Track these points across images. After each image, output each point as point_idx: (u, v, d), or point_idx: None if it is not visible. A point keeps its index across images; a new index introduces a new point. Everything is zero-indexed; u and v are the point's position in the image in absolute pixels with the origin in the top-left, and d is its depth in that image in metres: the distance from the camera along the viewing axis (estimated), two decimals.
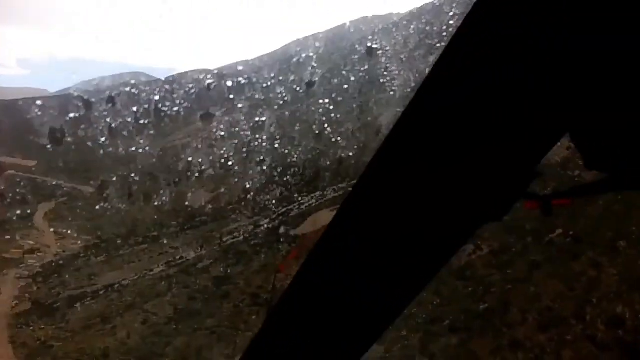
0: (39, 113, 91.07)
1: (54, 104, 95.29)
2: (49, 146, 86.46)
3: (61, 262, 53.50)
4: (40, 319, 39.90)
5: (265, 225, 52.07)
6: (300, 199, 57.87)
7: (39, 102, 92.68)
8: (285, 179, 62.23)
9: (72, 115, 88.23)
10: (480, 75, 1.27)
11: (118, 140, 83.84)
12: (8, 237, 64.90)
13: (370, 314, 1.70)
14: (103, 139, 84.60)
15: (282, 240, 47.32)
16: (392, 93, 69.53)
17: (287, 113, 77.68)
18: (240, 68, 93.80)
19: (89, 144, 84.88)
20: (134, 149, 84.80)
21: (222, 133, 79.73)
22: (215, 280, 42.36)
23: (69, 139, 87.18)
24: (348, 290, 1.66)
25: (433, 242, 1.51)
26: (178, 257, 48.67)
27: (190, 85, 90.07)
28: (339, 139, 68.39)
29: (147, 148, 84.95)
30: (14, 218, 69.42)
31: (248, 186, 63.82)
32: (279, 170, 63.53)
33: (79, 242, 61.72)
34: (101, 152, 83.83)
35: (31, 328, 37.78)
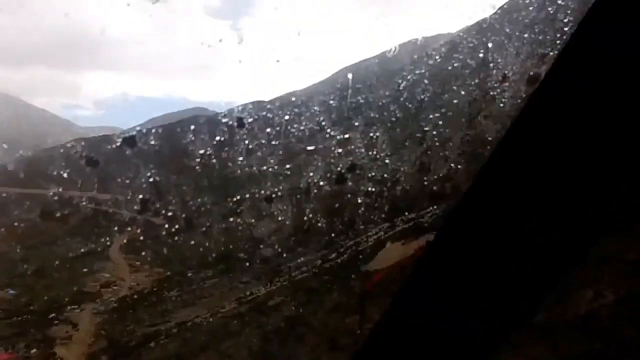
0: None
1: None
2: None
3: (135, 296, 53.87)
4: (115, 358, 39.65)
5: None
6: (368, 231, 55.94)
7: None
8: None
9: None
10: (596, 83, 1.36)
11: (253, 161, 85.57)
12: (86, 269, 66.91)
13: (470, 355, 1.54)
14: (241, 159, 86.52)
15: (353, 276, 45.28)
16: (501, 105, 66.58)
17: (398, 130, 76.13)
18: (358, 86, 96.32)
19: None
20: (264, 167, 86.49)
21: (340, 150, 79.32)
22: (287, 320, 40.73)
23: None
24: (443, 326, 1.60)
25: (537, 264, 1.46)
26: (248, 293, 47.60)
27: (316, 108, 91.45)
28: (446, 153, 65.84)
29: (276, 167, 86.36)
30: (91, 251, 71.86)
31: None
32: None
33: (152, 275, 62.45)
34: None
35: None
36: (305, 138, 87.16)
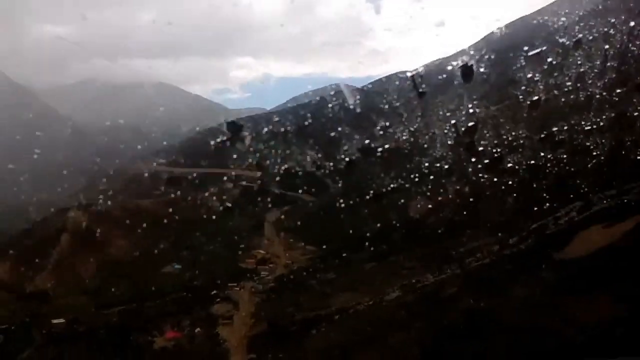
0: None
1: None
2: None
3: (292, 276, 52.03)
4: (275, 345, 37.23)
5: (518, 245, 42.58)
6: (556, 211, 46.79)
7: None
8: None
9: None
10: None
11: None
12: (243, 245, 67.54)
13: None
14: None
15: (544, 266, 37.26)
16: None
17: None
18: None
19: None
20: None
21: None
22: (466, 316, 34.51)
23: None
24: None
25: None
26: (414, 281, 42.31)
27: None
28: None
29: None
30: (247, 227, 72.59)
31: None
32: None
33: (306, 253, 60.61)
34: None
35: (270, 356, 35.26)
36: None
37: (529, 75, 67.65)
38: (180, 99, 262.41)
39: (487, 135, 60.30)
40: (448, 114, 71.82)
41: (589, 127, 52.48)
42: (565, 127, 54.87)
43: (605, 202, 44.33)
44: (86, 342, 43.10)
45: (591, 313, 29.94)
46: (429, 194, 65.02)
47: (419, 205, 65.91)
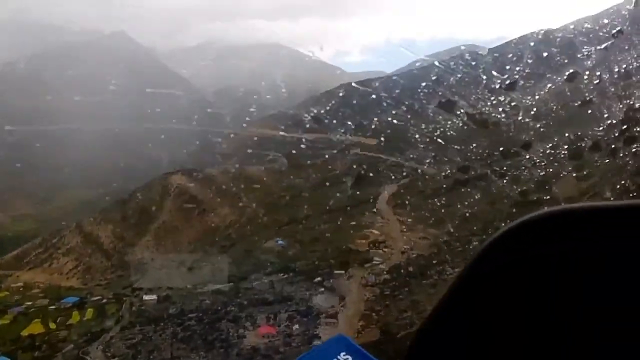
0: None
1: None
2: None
3: (410, 268, 42.57)
4: None
5: None
6: None
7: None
8: None
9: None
10: None
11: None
12: (353, 222, 59.50)
13: None
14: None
15: None
16: None
17: None
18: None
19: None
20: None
21: None
22: None
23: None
24: None
25: None
26: None
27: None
28: None
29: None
30: (359, 201, 64.25)
31: None
32: None
33: (427, 237, 50.77)
34: None
35: None
36: None
37: None
38: (297, 61, 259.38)
39: None
40: None
41: None
42: None
43: None
44: (172, 329, 38.12)
45: None
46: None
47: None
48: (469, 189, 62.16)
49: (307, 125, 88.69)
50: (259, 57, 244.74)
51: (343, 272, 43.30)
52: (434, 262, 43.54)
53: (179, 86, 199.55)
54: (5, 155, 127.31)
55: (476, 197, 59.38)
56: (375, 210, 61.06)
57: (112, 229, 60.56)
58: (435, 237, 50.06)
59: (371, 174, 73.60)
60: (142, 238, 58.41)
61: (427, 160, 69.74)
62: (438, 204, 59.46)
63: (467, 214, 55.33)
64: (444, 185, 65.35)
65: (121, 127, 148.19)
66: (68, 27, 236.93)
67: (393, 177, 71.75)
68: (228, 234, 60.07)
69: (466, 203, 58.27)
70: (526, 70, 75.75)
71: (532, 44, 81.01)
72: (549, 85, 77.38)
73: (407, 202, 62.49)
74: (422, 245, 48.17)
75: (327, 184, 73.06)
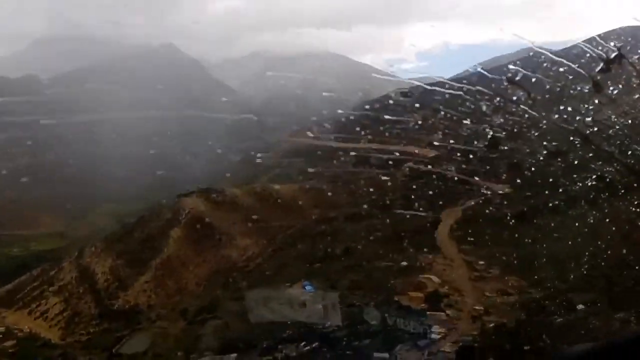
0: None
1: None
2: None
3: (487, 348, 27.94)
4: None
5: None
6: None
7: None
8: None
9: None
10: None
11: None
12: (404, 262, 45.24)
13: None
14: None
15: None
16: None
17: None
18: None
19: None
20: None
21: None
22: None
23: None
24: None
25: None
26: None
27: None
28: None
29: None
30: (410, 231, 49.92)
31: None
32: None
33: (510, 291, 35.96)
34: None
35: None
36: None
37: None
38: (350, 68, 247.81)
39: None
40: None
41: None
42: None
43: None
44: None
45: None
46: None
47: None
48: (561, 216, 46.70)
49: (357, 133, 75.71)
50: (310, 66, 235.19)
51: (386, 348, 29.51)
52: (521, 336, 28.73)
53: (227, 97, 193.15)
54: (41, 168, 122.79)
55: (575, 227, 43.91)
56: (433, 244, 46.76)
57: (111, 263, 49.60)
58: (521, 291, 35.26)
59: (430, 192, 59.31)
60: (141, 277, 47.08)
61: (504, 177, 54.22)
62: (520, 238, 44.44)
63: (564, 254, 40.07)
64: (525, 210, 50.08)
65: (163, 140, 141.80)
66: (118, 40, 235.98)
67: (456, 198, 57.24)
68: (247, 270, 47.74)
69: (558, 235, 43.08)
70: None
71: None
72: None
73: (477, 234, 47.78)
74: (502, 305, 33.43)
75: (373, 206, 59.59)
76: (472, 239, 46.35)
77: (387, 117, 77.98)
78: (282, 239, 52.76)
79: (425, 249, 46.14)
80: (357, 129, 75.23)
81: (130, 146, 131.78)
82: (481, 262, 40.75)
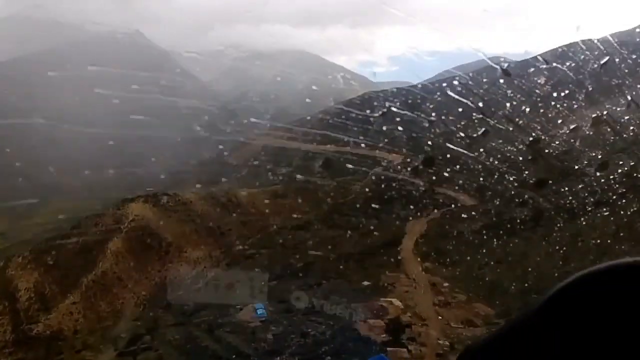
0: None
1: None
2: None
3: None
4: None
5: None
6: None
7: None
8: None
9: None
10: None
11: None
12: (367, 282, 41.48)
13: None
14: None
15: None
16: None
17: None
18: None
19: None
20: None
21: None
22: None
23: None
24: None
25: None
26: None
27: None
28: None
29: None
30: (374, 246, 46.30)
31: None
32: None
33: (475, 320, 32.84)
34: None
35: None
36: None
37: None
38: (322, 69, 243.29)
39: None
40: None
41: None
42: None
43: None
44: None
45: None
46: None
47: None
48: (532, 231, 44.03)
49: (327, 136, 72.10)
50: (283, 64, 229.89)
51: None
52: None
53: (196, 90, 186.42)
54: None
55: (545, 243, 41.26)
56: (397, 260, 43.44)
57: (37, 278, 43.92)
58: (488, 320, 32.18)
59: (395, 200, 56.06)
60: (69, 297, 41.73)
61: (474, 185, 51.22)
62: (487, 254, 41.54)
63: (532, 275, 37.29)
64: (495, 221, 47.23)
65: (123, 132, 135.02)
66: (81, 25, 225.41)
67: (420, 208, 54.00)
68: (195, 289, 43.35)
69: (530, 253, 40.43)
70: None
71: None
72: None
73: (441, 251, 44.65)
74: (468, 337, 30.31)
75: (338, 214, 56.03)
76: (436, 254, 43.21)
77: (355, 120, 74.95)
78: (239, 251, 48.75)
79: (389, 264, 42.75)
80: (328, 132, 71.86)
81: (87, 137, 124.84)
82: (445, 284, 37.54)
